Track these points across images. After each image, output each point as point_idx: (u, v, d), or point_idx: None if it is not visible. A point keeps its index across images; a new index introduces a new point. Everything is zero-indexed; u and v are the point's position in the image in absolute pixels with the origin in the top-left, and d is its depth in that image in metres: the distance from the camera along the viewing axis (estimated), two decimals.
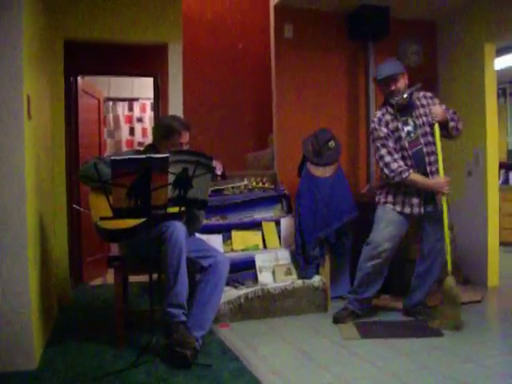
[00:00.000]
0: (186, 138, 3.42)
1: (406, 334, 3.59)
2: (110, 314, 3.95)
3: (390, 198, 3.88)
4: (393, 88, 3.80)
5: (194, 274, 3.45)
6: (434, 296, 4.09)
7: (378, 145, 3.85)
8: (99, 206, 3.06)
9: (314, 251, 4.32)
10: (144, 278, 4.76)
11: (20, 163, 2.92)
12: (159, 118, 3.87)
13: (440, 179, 3.73)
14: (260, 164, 5.62)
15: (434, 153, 3.79)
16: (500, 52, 5.84)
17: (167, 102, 5.05)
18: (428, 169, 3.79)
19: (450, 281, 3.65)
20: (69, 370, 2.96)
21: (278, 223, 4.66)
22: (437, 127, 3.75)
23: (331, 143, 4.49)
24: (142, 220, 2.99)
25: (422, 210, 3.80)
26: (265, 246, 4.55)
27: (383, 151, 3.82)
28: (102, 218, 2.85)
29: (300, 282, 4.24)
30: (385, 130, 3.84)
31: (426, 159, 3.79)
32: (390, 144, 3.81)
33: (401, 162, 3.77)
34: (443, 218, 3.73)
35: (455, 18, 5.47)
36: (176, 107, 4.88)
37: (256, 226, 4.62)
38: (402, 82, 3.82)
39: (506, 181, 8.35)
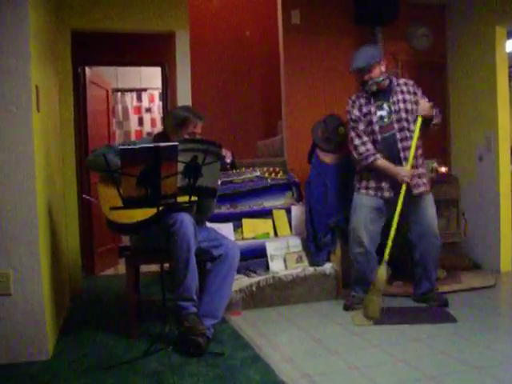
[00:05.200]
0: (199, 128, 3.39)
1: (419, 320, 3.57)
2: (122, 303, 3.97)
3: (363, 184, 3.92)
4: (366, 78, 3.82)
5: (205, 263, 3.45)
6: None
7: (349, 127, 3.92)
8: (109, 197, 3.05)
9: (325, 238, 4.30)
10: (155, 267, 4.79)
11: (29, 155, 2.92)
12: (173, 108, 3.86)
13: (402, 169, 3.70)
14: (270, 151, 5.60)
15: (409, 139, 3.76)
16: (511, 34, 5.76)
17: (175, 91, 5.03)
18: (402, 155, 3.76)
19: (380, 271, 3.65)
20: (82, 360, 2.98)
21: (288, 211, 4.64)
22: (420, 120, 3.73)
23: (340, 129, 4.45)
24: (152, 214, 2.97)
25: (392, 194, 3.79)
26: (276, 234, 4.54)
27: (353, 134, 3.89)
28: (112, 208, 2.84)
29: (311, 269, 4.23)
30: (356, 112, 3.88)
31: (399, 145, 3.77)
32: (360, 127, 3.86)
33: (369, 146, 3.80)
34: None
35: (466, 1, 5.39)
36: (184, 96, 4.87)
37: (266, 213, 4.60)
38: (377, 71, 3.80)
39: None
